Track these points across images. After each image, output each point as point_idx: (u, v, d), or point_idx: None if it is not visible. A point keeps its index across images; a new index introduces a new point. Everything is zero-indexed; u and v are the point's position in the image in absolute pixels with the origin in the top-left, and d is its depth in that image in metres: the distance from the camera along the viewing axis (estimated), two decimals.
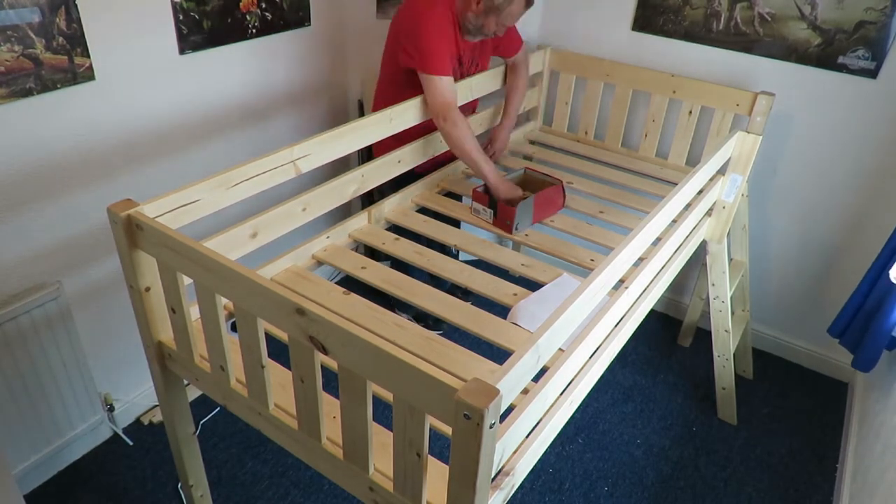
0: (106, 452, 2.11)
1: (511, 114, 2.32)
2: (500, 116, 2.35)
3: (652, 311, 2.91)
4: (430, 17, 1.92)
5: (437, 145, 2.12)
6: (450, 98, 1.93)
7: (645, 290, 1.69)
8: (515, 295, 1.65)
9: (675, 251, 1.83)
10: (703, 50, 2.33)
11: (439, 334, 1.49)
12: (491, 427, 0.87)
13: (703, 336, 2.74)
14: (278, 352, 1.30)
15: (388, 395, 1.18)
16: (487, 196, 1.96)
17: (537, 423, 1.26)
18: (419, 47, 1.91)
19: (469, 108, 2.30)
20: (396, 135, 1.93)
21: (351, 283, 1.78)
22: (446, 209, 2.04)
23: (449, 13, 1.96)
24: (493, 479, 1.07)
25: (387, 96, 2.08)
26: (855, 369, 2.06)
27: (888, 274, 1.94)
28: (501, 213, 1.92)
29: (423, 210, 2.08)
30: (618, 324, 1.56)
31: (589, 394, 2.43)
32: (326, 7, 2.37)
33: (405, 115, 1.90)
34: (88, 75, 1.71)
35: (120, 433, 2.17)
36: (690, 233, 1.90)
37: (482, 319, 1.55)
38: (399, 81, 2.05)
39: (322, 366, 1.12)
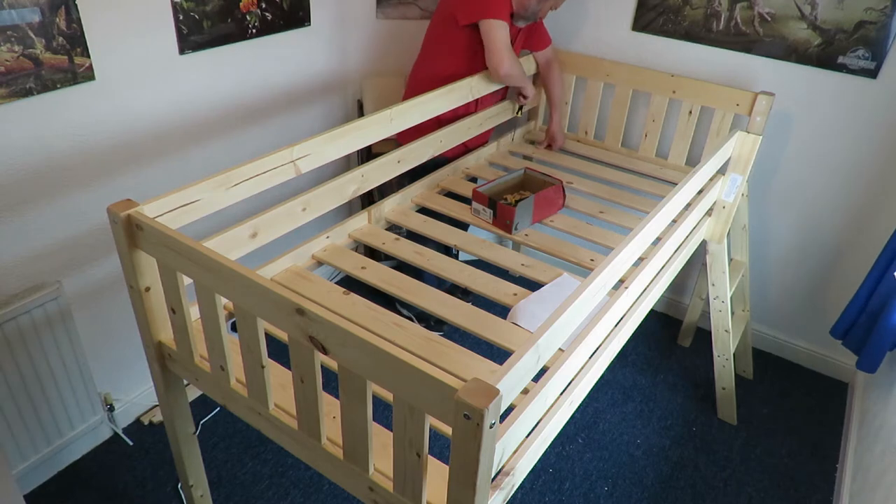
0: (106, 452, 2.11)
1: (558, 106, 2.51)
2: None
3: (652, 311, 2.91)
4: None
5: (461, 133, 2.23)
6: (508, 42, 2.12)
7: (645, 290, 1.69)
8: (515, 295, 1.65)
9: (675, 251, 1.83)
10: (703, 50, 2.33)
11: (440, 335, 1.49)
12: (491, 427, 0.87)
13: (703, 336, 2.74)
14: (278, 352, 1.30)
15: (388, 395, 1.18)
16: (487, 196, 1.96)
17: (537, 423, 1.26)
18: None
19: (497, 97, 2.41)
20: (420, 124, 2.02)
21: (351, 283, 1.78)
22: (446, 209, 2.04)
23: None
24: (493, 479, 1.07)
25: (422, 71, 2.27)
26: (858, 370, 2.05)
27: (892, 275, 1.94)
28: (501, 212, 1.92)
29: (423, 210, 2.08)
30: (618, 324, 1.56)
31: (589, 394, 2.43)
32: (326, 7, 2.37)
33: (406, 115, 1.90)
34: (88, 75, 1.71)
35: (120, 433, 2.17)
36: (690, 233, 1.90)
37: (482, 319, 1.55)
38: (444, 51, 2.21)
39: (322, 366, 1.12)
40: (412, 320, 2.05)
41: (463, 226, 2.28)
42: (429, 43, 2.27)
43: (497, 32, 2.08)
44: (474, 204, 2.00)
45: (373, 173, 1.87)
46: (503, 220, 1.93)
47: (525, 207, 1.92)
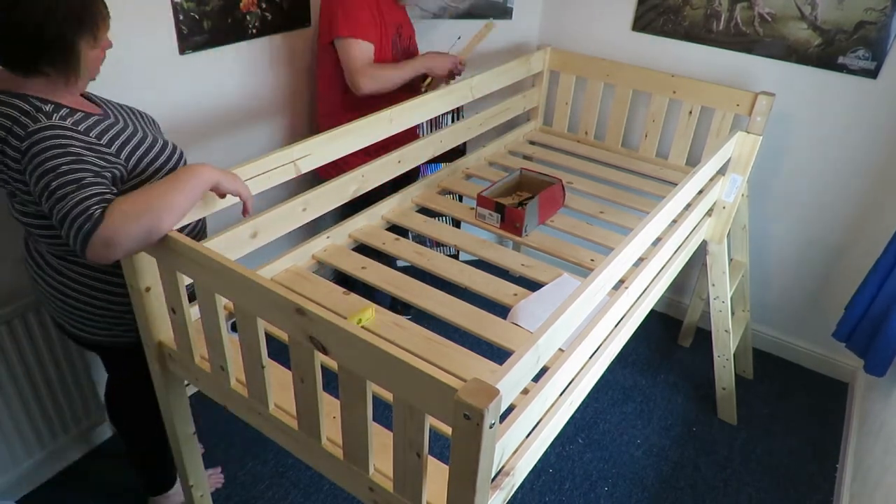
0: (106, 453, 2.11)
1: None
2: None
3: (652, 311, 2.90)
4: None
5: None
6: None
7: (645, 290, 1.69)
8: (515, 295, 1.65)
9: (676, 251, 1.83)
10: (703, 50, 2.33)
11: (409, 319, 1.52)
12: (491, 427, 0.87)
13: (704, 336, 2.74)
14: (278, 352, 1.30)
15: (388, 395, 1.18)
16: (494, 200, 1.93)
17: (537, 423, 1.26)
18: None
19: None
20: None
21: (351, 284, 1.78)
22: (447, 209, 2.04)
23: None
24: (493, 480, 1.07)
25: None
26: (866, 373, 2.05)
27: None
28: (510, 216, 1.90)
29: (423, 210, 2.07)
30: (618, 324, 1.56)
31: (589, 394, 2.43)
32: None
33: (406, 115, 1.89)
34: None
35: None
36: (691, 233, 1.90)
37: (482, 319, 1.55)
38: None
39: (322, 366, 1.12)
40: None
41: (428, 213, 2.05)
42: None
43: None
44: (479, 209, 1.97)
45: (373, 173, 1.87)
46: (512, 224, 1.90)
47: (532, 209, 1.91)
